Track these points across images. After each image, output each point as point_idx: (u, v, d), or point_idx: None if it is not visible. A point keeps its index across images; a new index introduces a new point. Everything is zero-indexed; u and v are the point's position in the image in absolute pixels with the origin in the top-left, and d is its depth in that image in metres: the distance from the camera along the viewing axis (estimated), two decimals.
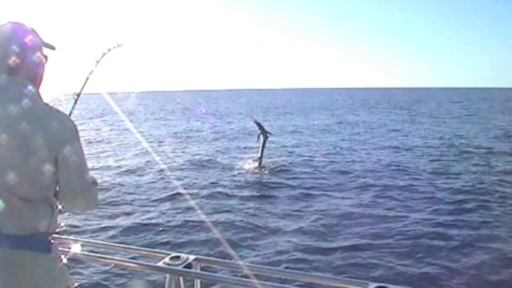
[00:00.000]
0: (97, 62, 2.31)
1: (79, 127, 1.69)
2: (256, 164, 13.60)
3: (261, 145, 13.76)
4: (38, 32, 1.70)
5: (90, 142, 20.06)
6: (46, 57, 1.73)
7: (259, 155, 13.74)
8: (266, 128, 14.42)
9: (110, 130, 27.02)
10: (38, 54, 1.68)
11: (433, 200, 9.68)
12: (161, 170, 13.22)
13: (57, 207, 1.67)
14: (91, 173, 1.74)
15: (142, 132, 25.46)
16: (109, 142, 20.97)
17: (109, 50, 2.34)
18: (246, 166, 13.70)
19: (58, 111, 1.65)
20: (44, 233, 1.61)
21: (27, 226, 1.56)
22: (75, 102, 2.14)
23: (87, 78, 2.27)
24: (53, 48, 1.75)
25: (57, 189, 1.65)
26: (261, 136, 13.88)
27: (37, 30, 1.70)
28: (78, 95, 2.20)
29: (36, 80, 1.68)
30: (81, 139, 1.68)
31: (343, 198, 10.03)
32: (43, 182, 1.57)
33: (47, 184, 1.59)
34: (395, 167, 13.78)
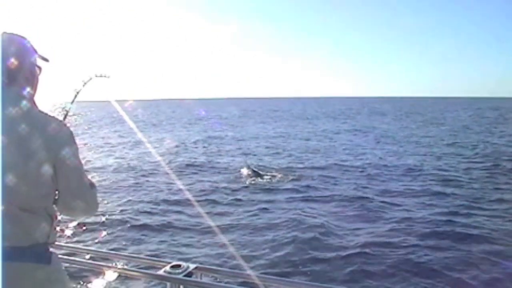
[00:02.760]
0: (84, 84, 2.35)
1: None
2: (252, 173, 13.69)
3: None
4: (34, 42, 1.73)
5: (99, 148, 20.27)
6: (40, 68, 1.75)
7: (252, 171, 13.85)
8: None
9: (118, 137, 27.36)
10: (33, 61, 1.71)
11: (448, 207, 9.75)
12: (168, 176, 13.39)
13: (56, 217, 1.68)
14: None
15: (156, 141, 25.68)
16: (114, 146, 21.18)
17: (90, 79, 2.38)
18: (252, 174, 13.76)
19: (53, 116, 1.69)
20: (43, 244, 1.61)
21: (26, 237, 1.56)
22: (64, 119, 2.13)
23: (75, 96, 2.31)
24: (46, 60, 1.77)
25: (56, 197, 1.66)
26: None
27: (35, 36, 1.73)
28: (65, 116, 2.21)
29: (32, 87, 1.70)
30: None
31: (353, 205, 10.06)
32: (42, 187, 1.58)
33: (45, 191, 1.60)
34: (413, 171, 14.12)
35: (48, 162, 1.57)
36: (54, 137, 1.60)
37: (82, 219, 7.74)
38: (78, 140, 1.72)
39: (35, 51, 1.72)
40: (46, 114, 1.67)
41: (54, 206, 1.68)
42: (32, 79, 1.69)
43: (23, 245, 1.55)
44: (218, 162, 16.64)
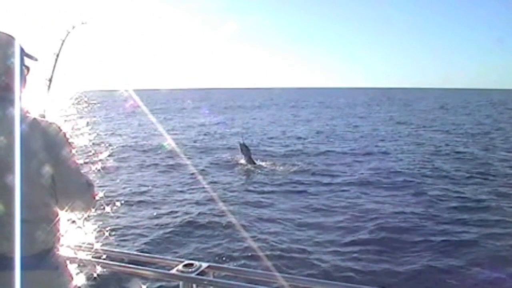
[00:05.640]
0: (63, 41, 2.31)
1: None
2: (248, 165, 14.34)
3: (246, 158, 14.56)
4: (22, 41, 1.73)
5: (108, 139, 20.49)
6: (28, 68, 1.75)
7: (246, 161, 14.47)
8: None
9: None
10: (23, 62, 1.72)
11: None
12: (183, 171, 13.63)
13: (59, 221, 1.73)
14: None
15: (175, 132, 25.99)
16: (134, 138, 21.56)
17: (73, 27, 2.33)
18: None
19: (46, 119, 1.74)
20: (49, 250, 1.67)
21: (33, 246, 1.61)
22: (49, 88, 2.16)
23: (56, 60, 2.27)
24: (35, 59, 1.78)
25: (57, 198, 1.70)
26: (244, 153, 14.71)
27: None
28: (50, 80, 2.21)
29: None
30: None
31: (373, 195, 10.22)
32: (43, 191, 1.63)
33: (47, 195, 1.65)
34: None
35: (48, 164, 1.61)
36: (52, 138, 1.63)
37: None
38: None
39: (23, 51, 1.72)
40: (36, 117, 1.70)
41: (56, 209, 1.72)
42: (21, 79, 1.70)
43: (29, 255, 1.58)
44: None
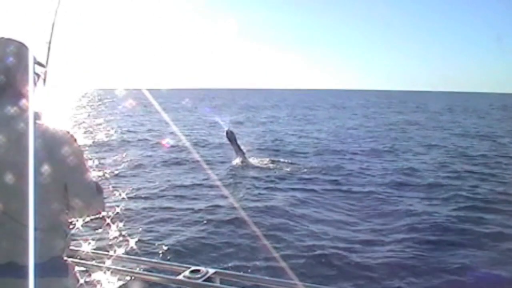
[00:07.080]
0: (53, 24, 2.28)
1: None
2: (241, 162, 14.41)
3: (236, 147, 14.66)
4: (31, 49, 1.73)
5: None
6: (38, 75, 1.77)
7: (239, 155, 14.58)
8: None
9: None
10: (33, 68, 1.72)
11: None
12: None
13: (69, 227, 1.75)
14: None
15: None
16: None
17: (59, 2, 2.28)
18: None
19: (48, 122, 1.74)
20: (59, 257, 1.68)
21: (42, 254, 1.61)
22: (44, 81, 2.09)
23: (49, 48, 2.22)
24: (43, 66, 1.82)
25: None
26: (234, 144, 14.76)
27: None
28: (45, 73, 2.13)
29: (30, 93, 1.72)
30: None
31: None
32: (50, 195, 1.62)
33: (55, 203, 1.65)
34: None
35: (55, 169, 1.60)
36: (53, 135, 1.64)
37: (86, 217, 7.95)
38: None
39: (35, 59, 1.73)
40: (42, 122, 1.69)
41: (64, 216, 1.72)
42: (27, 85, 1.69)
43: (39, 262, 1.58)
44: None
